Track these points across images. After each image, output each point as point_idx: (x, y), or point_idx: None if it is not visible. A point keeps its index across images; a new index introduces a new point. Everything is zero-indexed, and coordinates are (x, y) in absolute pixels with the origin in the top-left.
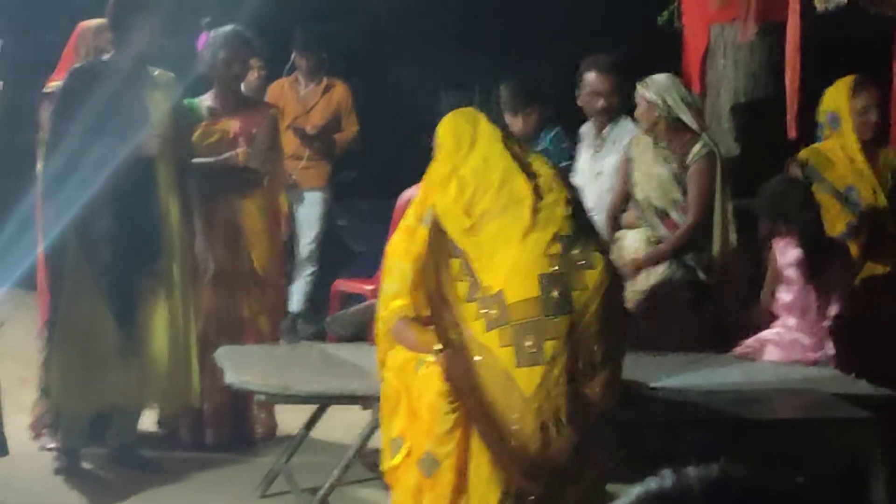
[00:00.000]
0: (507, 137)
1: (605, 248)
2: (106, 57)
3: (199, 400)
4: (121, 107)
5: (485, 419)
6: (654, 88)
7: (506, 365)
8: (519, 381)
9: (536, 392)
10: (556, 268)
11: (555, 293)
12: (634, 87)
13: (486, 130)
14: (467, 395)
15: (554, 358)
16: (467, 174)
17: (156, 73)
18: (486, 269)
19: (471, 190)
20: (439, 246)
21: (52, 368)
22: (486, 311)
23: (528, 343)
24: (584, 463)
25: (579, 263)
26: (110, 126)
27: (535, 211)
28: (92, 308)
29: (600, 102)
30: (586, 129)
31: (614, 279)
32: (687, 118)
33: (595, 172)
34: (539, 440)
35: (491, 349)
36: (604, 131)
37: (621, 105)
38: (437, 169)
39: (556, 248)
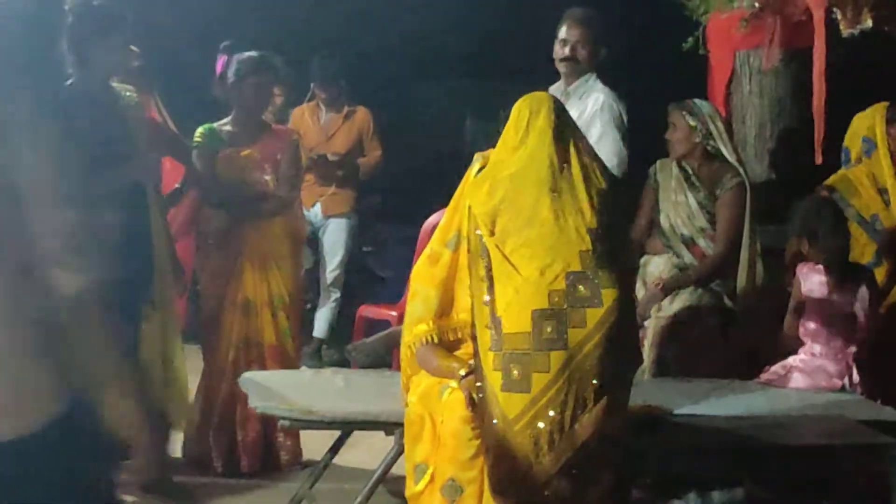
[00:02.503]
0: (563, 136)
1: (623, 280)
2: (70, 82)
3: (197, 414)
4: (96, 130)
5: (482, 430)
6: (699, 114)
7: (494, 387)
8: (503, 404)
9: (519, 416)
10: (555, 305)
11: (548, 329)
12: (605, 46)
13: (540, 127)
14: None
15: (544, 388)
16: (504, 177)
17: (122, 91)
18: (498, 285)
19: (500, 196)
20: (475, 245)
21: None
22: (491, 329)
23: (514, 372)
24: (586, 485)
25: (583, 301)
26: (90, 150)
27: (550, 238)
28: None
29: (565, 51)
30: (554, 87)
31: (623, 317)
32: (726, 148)
33: None
34: (515, 461)
35: (486, 369)
36: (570, 87)
37: (591, 63)
38: (493, 156)
39: (561, 283)
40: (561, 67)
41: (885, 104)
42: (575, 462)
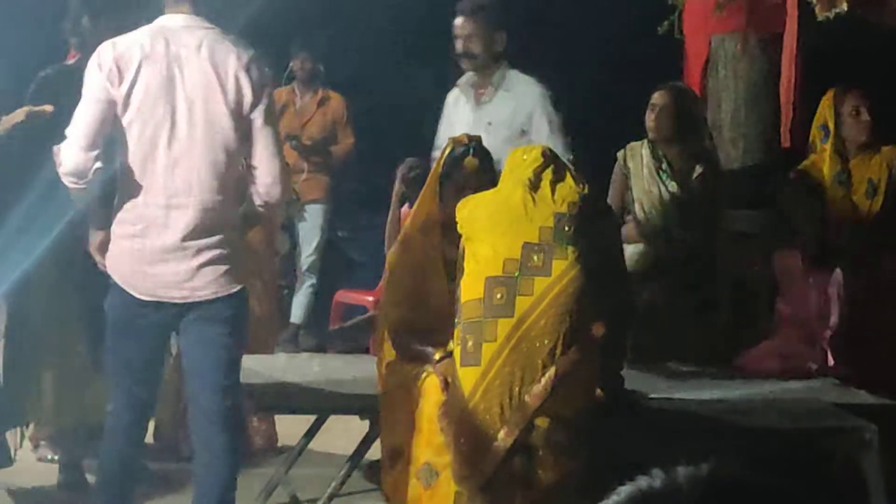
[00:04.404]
0: (549, 164)
1: (583, 258)
2: (70, 62)
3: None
4: None
5: (446, 416)
6: (687, 99)
7: (457, 363)
8: (461, 380)
9: (472, 392)
10: (507, 272)
11: (498, 296)
12: (502, 31)
13: (532, 157)
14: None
15: (491, 360)
16: (488, 192)
17: None
18: (465, 267)
19: (481, 205)
20: (462, 253)
21: (27, 383)
22: (458, 310)
23: (469, 343)
24: (536, 467)
25: (534, 270)
26: None
27: (514, 218)
28: (69, 322)
29: (459, 45)
30: (466, 80)
31: (574, 289)
32: (706, 131)
33: (484, 122)
34: (474, 441)
35: (453, 347)
36: (493, 78)
37: (491, 53)
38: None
39: (516, 253)
40: (462, 64)
41: (832, 91)
42: (529, 441)
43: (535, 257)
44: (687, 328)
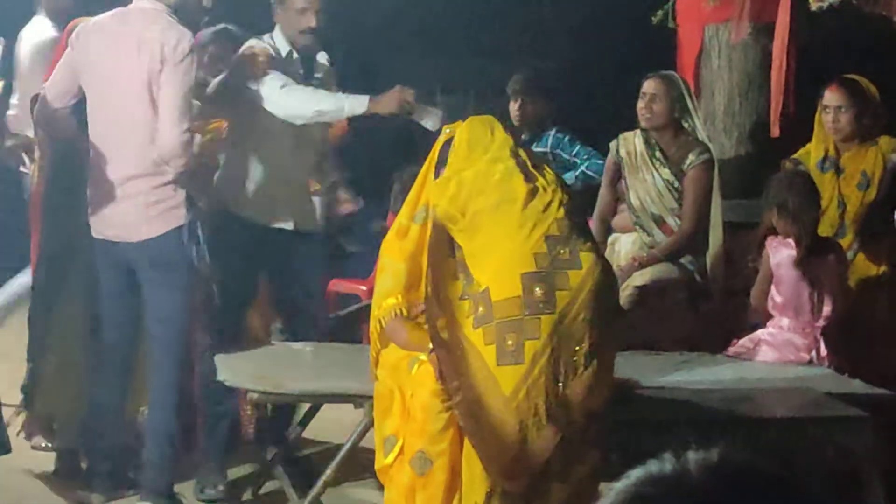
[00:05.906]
0: (518, 145)
1: (598, 249)
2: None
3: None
4: None
5: (470, 417)
6: (678, 88)
7: (489, 363)
8: (499, 380)
9: (515, 391)
10: (541, 267)
11: (537, 292)
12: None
13: (500, 137)
14: (457, 394)
15: (534, 357)
16: (468, 176)
17: None
18: (478, 267)
19: (467, 190)
20: (439, 245)
21: (39, 372)
22: (475, 308)
23: (509, 342)
24: (571, 461)
25: (565, 263)
26: None
27: (527, 210)
28: (81, 311)
29: (311, 19)
30: (284, 50)
31: (603, 280)
32: (699, 122)
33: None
34: (518, 440)
35: (477, 347)
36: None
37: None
38: (445, 171)
39: (543, 247)
40: (307, 41)
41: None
42: (569, 436)
43: (562, 250)
44: (680, 316)
